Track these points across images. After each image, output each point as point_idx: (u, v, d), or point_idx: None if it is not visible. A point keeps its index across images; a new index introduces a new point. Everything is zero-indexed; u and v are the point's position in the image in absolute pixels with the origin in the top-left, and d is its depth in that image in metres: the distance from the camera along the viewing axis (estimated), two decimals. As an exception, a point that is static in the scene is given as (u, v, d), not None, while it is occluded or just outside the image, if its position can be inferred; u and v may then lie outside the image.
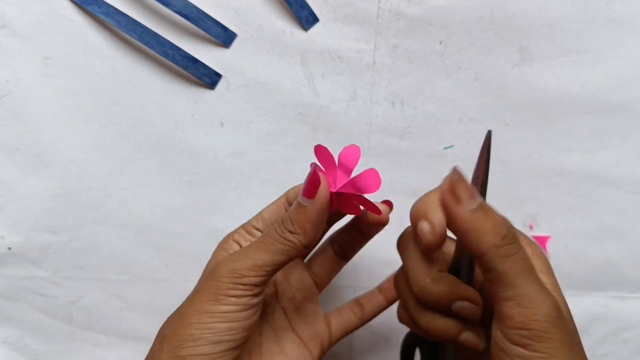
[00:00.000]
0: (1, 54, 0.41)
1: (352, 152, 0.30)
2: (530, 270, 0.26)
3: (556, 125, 0.44)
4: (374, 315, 0.36)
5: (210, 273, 0.29)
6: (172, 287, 0.44)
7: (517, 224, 0.44)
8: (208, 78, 0.42)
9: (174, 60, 0.41)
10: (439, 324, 0.29)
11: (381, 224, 0.33)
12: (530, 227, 0.44)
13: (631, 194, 0.44)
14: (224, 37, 0.42)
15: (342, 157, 0.30)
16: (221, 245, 0.33)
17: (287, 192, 0.33)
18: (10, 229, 0.42)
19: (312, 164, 0.29)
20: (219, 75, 0.42)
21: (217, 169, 0.43)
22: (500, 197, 0.44)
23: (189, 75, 0.42)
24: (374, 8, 0.42)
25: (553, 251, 0.44)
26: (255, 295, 0.29)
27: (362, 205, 0.31)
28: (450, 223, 0.27)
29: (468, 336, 0.29)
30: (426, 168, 0.44)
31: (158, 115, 0.42)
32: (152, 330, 0.31)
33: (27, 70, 0.41)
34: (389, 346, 0.44)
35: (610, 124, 0.44)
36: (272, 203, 0.33)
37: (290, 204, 0.33)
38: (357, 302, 0.37)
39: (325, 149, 0.30)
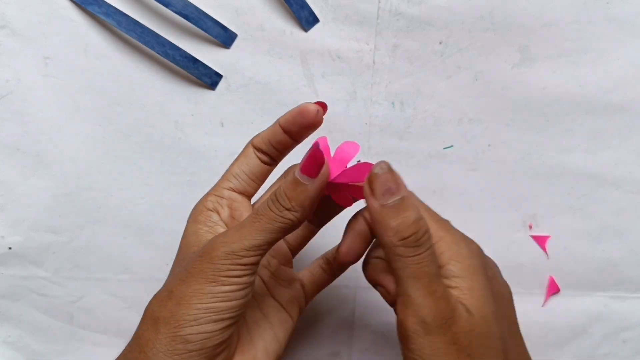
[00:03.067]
0: (1, 54, 0.41)
1: (351, 147, 0.31)
2: (423, 274, 0.27)
3: (556, 125, 0.44)
4: (343, 271, 0.37)
5: (204, 255, 0.29)
6: (172, 287, 0.44)
7: (517, 224, 0.44)
8: (208, 78, 0.42)
9: (174, 61, 0.41)
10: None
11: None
12: (530, 227, 0.44)
13: (631, 194, 0.44)
14: (224, 37, 0.42)
15: (340, 150, 0.31)
16: (194, 217, 0.32)
17: (251, 141, 0.33)
18: (10, 229, 0.42)
19: (314, 142, 0.29)
20: (219, 76, 0.42)
21: (217, 169, 0.43)
22: (500, 197, 0.44)
23: (189, 75, 0.42)
24: (374, 8, 0.42)
25: (553, 251, 0.44)
26: (253, 273, 0.29)
27: (355, 196, 0.31)
28: (368, 212, 0.29)
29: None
30: (426, 168, 0.44)
31: (158, 115, 0.42)
32: (152, 330, 0.31)
33: (27, 70, 0.41)
34: (389, 346, 0.44)
35: (610, 124, 0.44)
36: (237, 158, 0.33)
37: (257, 149, 0.32)
38: (326, 259, 0.37)
39: (325, 140, 0.30)
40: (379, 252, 0.31)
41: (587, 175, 0.44)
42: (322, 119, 0.32)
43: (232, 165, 0.33)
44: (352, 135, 0.43)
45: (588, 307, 0.45)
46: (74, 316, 0.43)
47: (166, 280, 0.31)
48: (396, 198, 0.28)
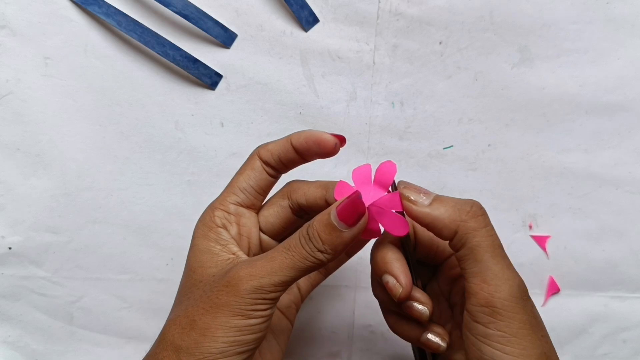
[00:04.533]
0: (1, 54, 0.41)
1: (390, 168, 0.30)
2: (497, 246, 0.28)
3: (556, 125, 0.44)
4: (336, 269, 0.37)
5: (230, 286, 0.28)
6: (172, 287, 0.44)
7: (517, 224, 0.44)
8: (208, 78, 0.42)
9: (174, 61, 0.41)
10: (401, 326, 0.32)
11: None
12: (530, 227, 0.44)
13: (631, 194, 0.44)
14: (224, 37, 0.42)
15: (380, 172, 0.30)
16: (204, 234, 0.31)
17: (258, 153, 0.32)
18: (10, 229, 0.42)
19: (356, 192, 0.28)
20: (219, 76, 0.42)
21: (217, 169, 0.43)
22: (500, 197, 0.44)
23: (189, 75, 0.42)
24: (374, 8, 0.42)
25: (553, 251, 0.44)
26: (275, 305, 0.29)
27: (391, 223, 0.30)
28: (418, 223, 0.29)
29: (430, 337, 0.31)
30: (426, 168, 0.44)
31: (158, 115, 0.42)
32: (152, 330, 0.31)
33: (27, 70, 0.41)
34: (389, 346, 0.44)
35: (610, 124, 0.44)
36: (243, 169, 0.32)
37: (264, 163, 0.31)
38: None
39: (369, 167, 0.30)
40: (389, 237, 0.31)
41: (587, 175, 0.44)
42: (339, 150, 0.31)
43: (237, 177, 0.32)
44: (352, 135, 0.43)
45: (588, 307, 0.45)
46: (74, 316, 0.43)
47: (180, 302, 0.30)
48: (432, 196, 0.29)
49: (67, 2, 0.41)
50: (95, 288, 0.43)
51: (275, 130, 0.43)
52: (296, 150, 0.31)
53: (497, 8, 0.42)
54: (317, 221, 0.28)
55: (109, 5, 0.41)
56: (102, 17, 0.40)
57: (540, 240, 0.45)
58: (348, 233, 0.28)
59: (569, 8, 0.42)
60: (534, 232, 0.45)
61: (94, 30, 0.41)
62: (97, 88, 0.42)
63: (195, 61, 0.42)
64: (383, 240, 0.31)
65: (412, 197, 0.29)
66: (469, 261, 0.28)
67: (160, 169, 0.43)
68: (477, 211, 0.28)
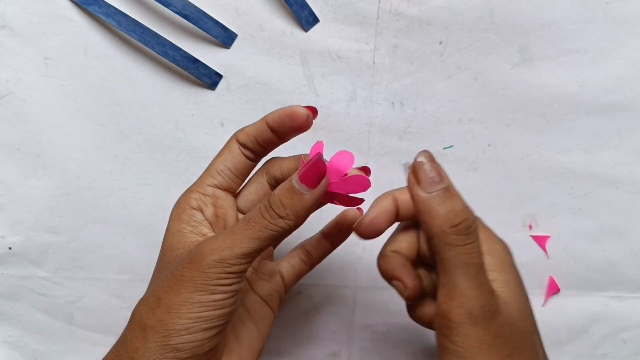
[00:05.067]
0: (1, 54, 0.41)
1: (346, 158, 0.30)
2: (472, 265, 0.27)
3: (556, 125, 0.44)
4: (321, 260, 0.37)
5: (193, 262, 0.28)
6: (172, 287, 0.44)
7: (517, 224, 0.44)
8: (208, 78, 0.42)
9: (174, 61, 0.41)
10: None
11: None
12: (530, 227, 0.44)
13: (631, 194, 0.44)
14: (224, 37, 0.42)
15: (335, 161, 0.30)
16: (177, 215, 0.31)
17: (235, 137, 0.32)
18: (10, 229, 0.42)
19: (317, 153, 0.28)
20: (219, 76, 0.42)
21: (217, 169, 0.43)
22: (500, 197, 0.44)
23: (189, 75, 0.42)
24: (374, 8, 0.42)
25: (553, 251, 0.44)
26: (241, 280, 0.29)
27: (348, 205, 0.31)
28: (412, 202, 0.28)
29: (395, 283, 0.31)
30: (426, 168, 0.44)
31: (158, 115, 0.42)
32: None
33: (27, 70, 0.41)
34: (389, 346, 0.44)
35: (610, 124, 0.44)
36: (221, 153, 0.32)
37: (242, 145, 0.32)
38: (304, 249, 0.37)
39: (322, 145, 0.30)
40: (395, 246, 0.31)
41: (587, 175, 0.44)
42: (312, 122, 0.31)
43: (215, 160, 0.32)
44: (352, 135, 0.43)
45: (588, 307, 0.45)
46: (74, 316, 0.43)
47: (150, 283, 0.31)
48: (441, 186, 0.28)
49: (67, 2, 0.41)
50: (95, 288, 0.43)
51: (275, 130, 0.43)
52: (271, 129, 0.31)
53: (497, 8, 0.42)
54: (279, 188, 0.28)
55: (109, 5, 0.41)
56: (102, 17, 0.40)
57: (540, 240, 0.45)
58: (309, 196, 0.28)
59: (569, 8, 0.42)
60: (534, 232, 0.45)
61: (94, 30, 0.41)
62: (97, 88, 0.42)
63: (195, 61, 0.42)
64: (385, 251, 0.31)
65: (420, 177, 0.28)
66: (440, 271, 0.28)
67: (160, 169, 0.43)
68: (462, 229, 0.27)
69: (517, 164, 0.44)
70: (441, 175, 0.28)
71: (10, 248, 0.42)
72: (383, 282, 0.43)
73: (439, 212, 0.27)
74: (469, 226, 0.27)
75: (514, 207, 0.44)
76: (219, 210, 0.32)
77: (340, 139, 0.43)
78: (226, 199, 0.32)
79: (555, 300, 0.45)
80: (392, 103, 0.43)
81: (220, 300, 0.28)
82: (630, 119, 0.44)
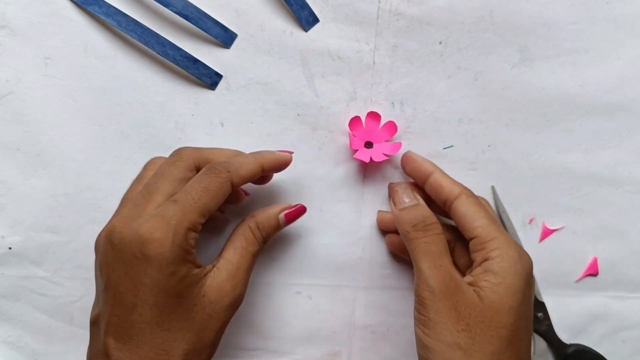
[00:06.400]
0: (1, 54, 0.41)
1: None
2: (430, 252, 0.35)
3: (556, 125, 0.44)
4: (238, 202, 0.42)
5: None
6: (172, 287, 0.44)
7: (517, 224, 0.44)
8: (208, 78, 0.42)
9: (174, 61, 0.41)
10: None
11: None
12: (530, 222, 0.44)
13: (631, 194, 0.44)
14: (224, 37, 0.42)
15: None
16: (183, 258, 0.32)
17: (230, 178, 0.34)
18: (10, 229, 0.42)
19: (302, 206, 0.40)
20: (219, 76, 0.42)
21: (217, 169, 0.43)
22: (500, 197, 0.44)
23: (189, 75, 0.42)
24: (374, 8, 0.42)
25: (553, 251, 0.44)
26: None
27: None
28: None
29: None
30: (426, 168, 0.44)
31: (158, 115, 0.42)
32: (152, 330, 0.31)
33: (27, 70, 0.41)
34: (389, 346, 0.44)
35: (610, 124, 0.44)
36: (215, 193, 0.34)
37: (233, 187, 0.35)
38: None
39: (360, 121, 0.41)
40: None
41: (587, 175, 0.44)
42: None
43: (210, 199, 0.33)
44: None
45: (588, 307, 0.45)
46: (74, 316, 0.43)
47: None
48: (411, 203, 0.38)
49: (67, 2, 0.41)
50: (95, 288, 0.43)
51: (275, 130, 0.43)
52: (264, 171, 0.37)
53: (497, 8, 0.42)
54: (267, 219, 0.38)
55: (109, 5, 0.41)
56: (102, 17, 0.40)
57: (540, 240, 0.45)
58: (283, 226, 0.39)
59: (569, 8, 0.42)
60: (534, 232, 0.45)
61: (94, 30, 0.41)
62: (97, 88, 0.42)
63: (195, 61, 0.42)
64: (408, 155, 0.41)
65: (395, 200, 0.39)
66: (413, 262, 0.36)
67: (160, 169, 0.43)
68: (420, 226, 0.36)
69: (517, 164, 0.44)
70: (410, 196, 0.38)
71: (10, 248, 0.42)
72: (383, 282, 0.43)
73: (404, 218, 0.37)
74: (426, 225, 0.36)
75: (514, 207, 0.44)
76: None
77: (341, 139, 0.43)
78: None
79: (555, 299, 0.45)
80: (392, 103, 0.43)
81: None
82: (630, 119, 0.44)
